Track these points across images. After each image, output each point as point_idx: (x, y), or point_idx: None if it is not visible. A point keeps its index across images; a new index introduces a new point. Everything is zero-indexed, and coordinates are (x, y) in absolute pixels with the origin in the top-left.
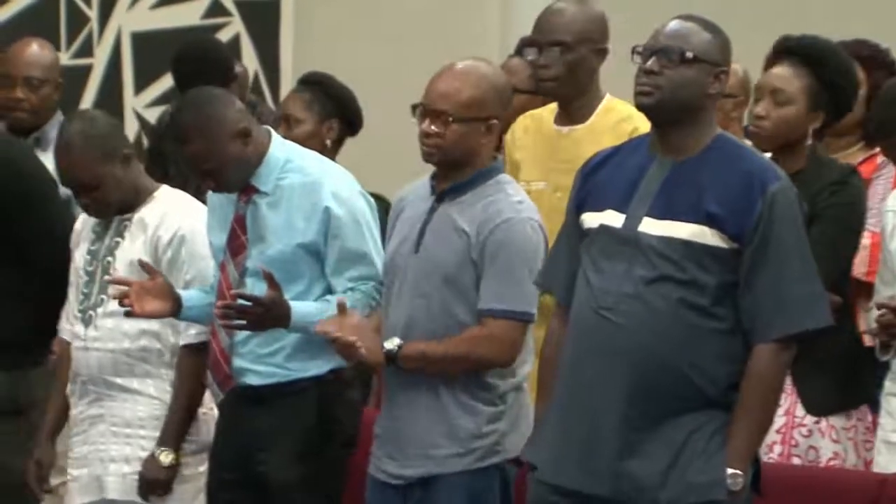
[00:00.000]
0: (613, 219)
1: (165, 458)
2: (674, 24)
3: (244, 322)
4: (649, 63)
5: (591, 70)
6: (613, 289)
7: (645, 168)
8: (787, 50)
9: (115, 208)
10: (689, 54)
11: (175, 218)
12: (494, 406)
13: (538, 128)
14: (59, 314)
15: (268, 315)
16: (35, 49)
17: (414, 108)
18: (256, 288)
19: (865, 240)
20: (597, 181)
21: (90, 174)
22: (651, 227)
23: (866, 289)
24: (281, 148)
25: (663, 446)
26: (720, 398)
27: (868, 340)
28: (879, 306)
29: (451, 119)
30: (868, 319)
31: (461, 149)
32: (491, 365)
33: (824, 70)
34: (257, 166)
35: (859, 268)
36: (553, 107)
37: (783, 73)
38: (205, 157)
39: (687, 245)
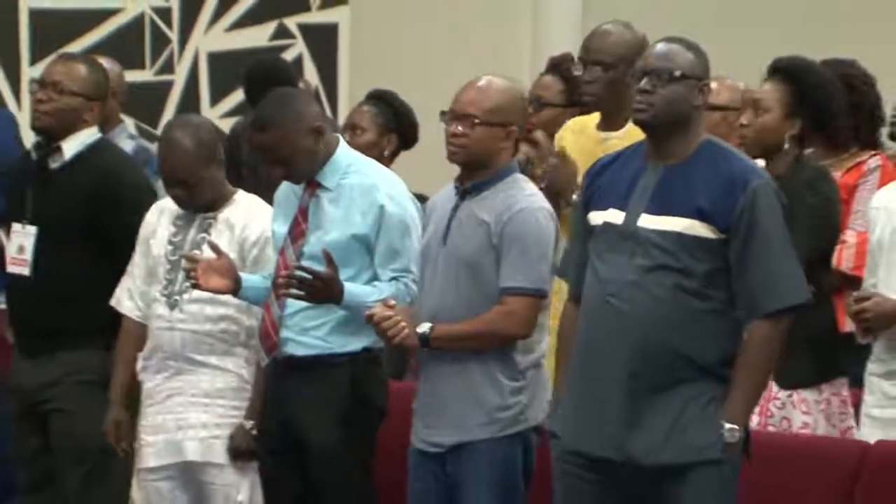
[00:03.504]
0: (615, 216)
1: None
2: (660, 47)
3: (303, 293)
4: (642, 83)
5: (630, 86)
6: (617, 278)
7: (641, 172)
8: (774, 70)
9: (202, 205)
10: (677, 73)
11: (259, 221)
12: (516, 381)
13: (583, 131)
14: None
15: (324, 289)
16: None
17: (443, 113)
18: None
19: (852, 238)
20: (601, 182)
21: (194, 174)
22: (648, 222)
23: (854, 282)
24: (346, 153)
25: (664, 413)
26: (714, 371)
27: (848, 326)
28: (856, 299)
29: (476, 122)
30: (849, 308)
31: (482, 150)
32: (511, 339)
33: (801, 85)
34: (324, 164)
35: (847, 263)
36: (598, 114)
37: (765, 88)
38: (280, 145)
39: (680, 237)
